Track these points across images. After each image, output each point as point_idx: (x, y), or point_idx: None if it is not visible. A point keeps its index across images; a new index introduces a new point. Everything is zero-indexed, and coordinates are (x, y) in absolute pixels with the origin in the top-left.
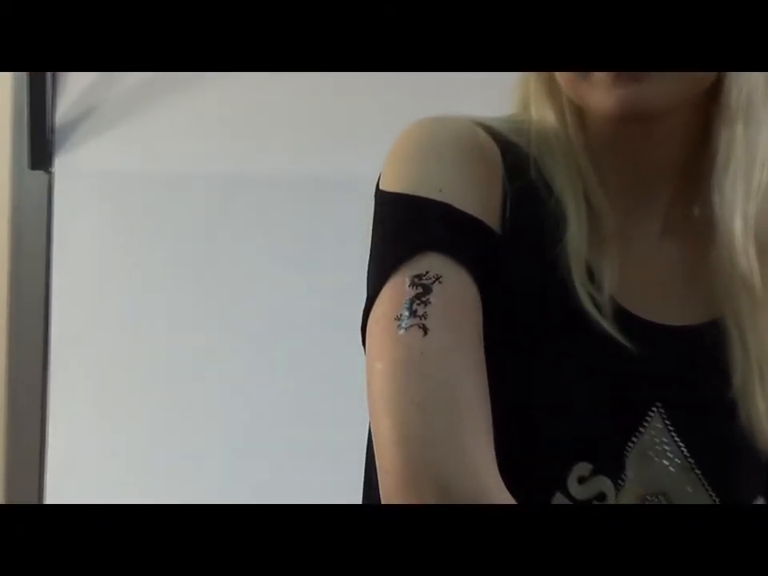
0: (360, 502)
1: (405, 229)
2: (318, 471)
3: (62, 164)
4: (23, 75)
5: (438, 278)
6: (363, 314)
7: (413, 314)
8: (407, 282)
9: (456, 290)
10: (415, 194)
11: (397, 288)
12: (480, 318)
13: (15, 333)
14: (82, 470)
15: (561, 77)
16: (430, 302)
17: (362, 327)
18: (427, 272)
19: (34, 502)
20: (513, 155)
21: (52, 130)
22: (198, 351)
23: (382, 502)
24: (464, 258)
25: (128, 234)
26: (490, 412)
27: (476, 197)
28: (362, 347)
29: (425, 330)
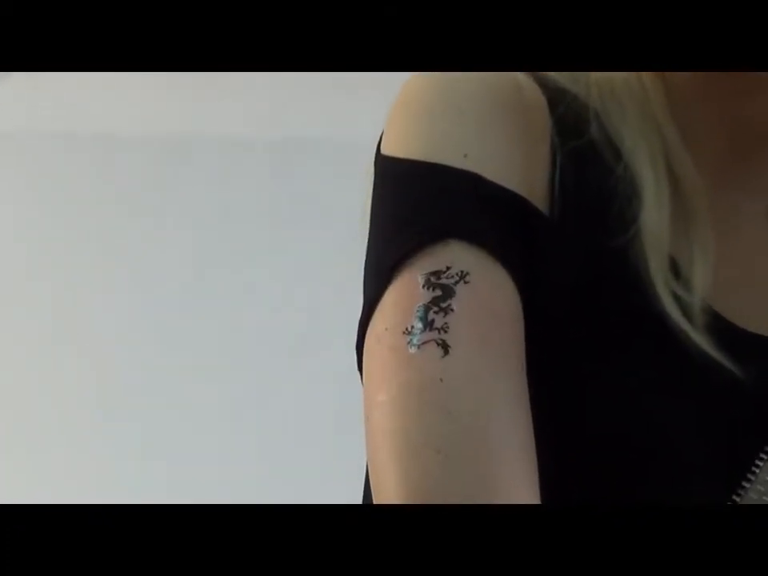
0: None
1: (416, 209)
2: (318, 472)
3: None
4: None
5: (462, 277)
6: (359, 327)
7: (428, 325)
8: (421, 281)
9: (488, 293)
10: (431, 160)
11: (406, 290)
12: (521, 331)
13: None
14: None
15: None
16: (452, 310)
17: (357, 344)
18: (448, 268)
19: None
20: (565, 106)
21: None
22: (134, 341)
23: None
24: (499, 247)
25: (42, 207)
26: (535, 459)
27: (514, 164)
28: (358, 372)
29: (445, 347)
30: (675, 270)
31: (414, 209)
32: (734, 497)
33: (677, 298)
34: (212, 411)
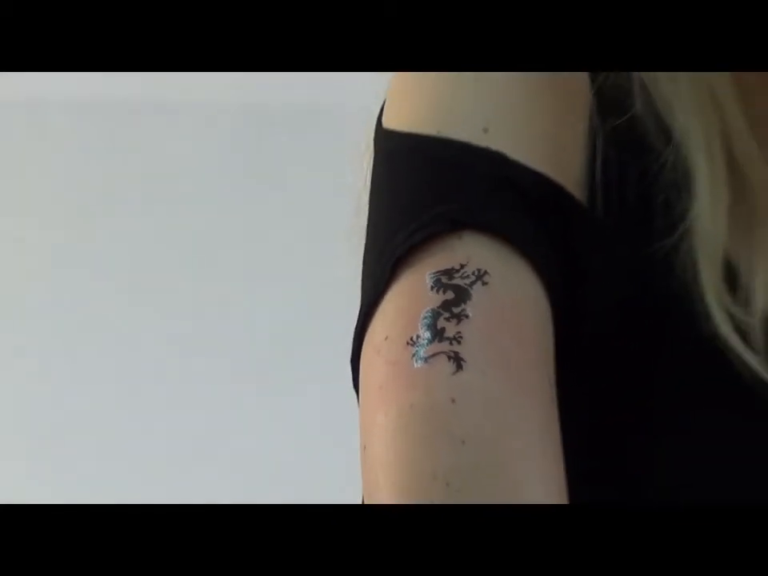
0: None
1: (426, 193)
2: (318, 472)
3: None
4: None
5: (480, 276)
6: (355, 336)
7: (438, 335)
8: (429, 281)
9: (510, 296)
10: (444, 135)
11: (411, 291)
12: (549, 344)
13: None
14: None
15: None
16: (467, 316)
17: (352, 357)
18: (463, 265)
19: None
20: (606, 75)
21: None
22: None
23: None
24: (525, 241)
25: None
26: (565, 493)
27: (545, 141)
28: (354, 390)
29: (458, 361)
30: (732, 278)
31: (423, 193)
32: None
33: (731, 315)
34: (212, 412)
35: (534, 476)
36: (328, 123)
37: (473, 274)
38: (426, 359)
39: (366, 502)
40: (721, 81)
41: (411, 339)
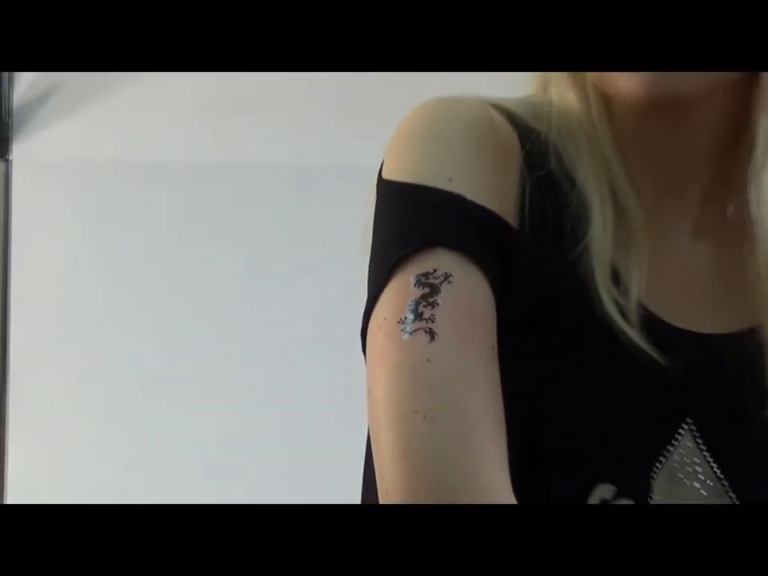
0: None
1: (410, 222)
2: (317, 472)
3: (20, 151)
4: None
5: (447, 277)
6: (363, 318)
7: (418, 316)
8: (412, 281)
9: (467, 290)
10: (422, 183)
11: (401, 288)
12: (493, 324)
13: None
14: (41, 473)
15: None
16: (438, 304)
17: (362, 332)
18: (435, 270)
19: None
20: (532, 142)
21: (9, 113)
22: (177, 355)
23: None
24: (477, 255)
25: (97, 231)
26: (504, 427)
27: (491, 188)
28: (363, 354)
29: (431, 334)
30: (616, 278)
31: (409, 222)
32: (661, 458)
33: (616, 302)
34: (211, 413)
35: (484, 411)
36: (349, 178)
37: (442, 276)
38: (410, 333)
39: (370, 431)
40: (608, 148)
41: (401, 320)
